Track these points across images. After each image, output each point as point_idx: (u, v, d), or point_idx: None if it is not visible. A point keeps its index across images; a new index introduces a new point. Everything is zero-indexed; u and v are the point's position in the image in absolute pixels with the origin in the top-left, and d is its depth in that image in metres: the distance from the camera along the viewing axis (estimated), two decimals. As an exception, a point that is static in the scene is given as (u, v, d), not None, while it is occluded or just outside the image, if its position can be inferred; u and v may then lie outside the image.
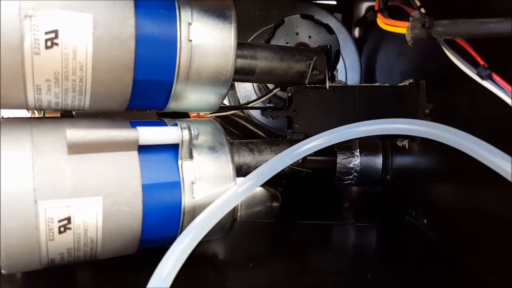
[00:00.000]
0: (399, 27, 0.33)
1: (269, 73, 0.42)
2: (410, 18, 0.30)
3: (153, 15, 0.30)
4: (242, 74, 0.41)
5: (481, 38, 0.26)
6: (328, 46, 0.46)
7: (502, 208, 0.33)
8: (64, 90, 0.28)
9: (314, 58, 0.43)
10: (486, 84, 0.27)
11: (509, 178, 0.25)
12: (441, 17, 0.29)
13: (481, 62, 0.28)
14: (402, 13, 0.36)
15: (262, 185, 0.50)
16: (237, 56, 0.39)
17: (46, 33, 0.26)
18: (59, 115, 0.35)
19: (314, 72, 0.43)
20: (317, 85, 0.44)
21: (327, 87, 0.44)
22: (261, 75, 0.41)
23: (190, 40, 0.31)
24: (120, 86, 0.30)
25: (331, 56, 0.45)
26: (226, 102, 0.66)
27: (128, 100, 0.31)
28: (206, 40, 0.32)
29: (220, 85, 0.34)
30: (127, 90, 0.30)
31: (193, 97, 0.34)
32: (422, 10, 0.30)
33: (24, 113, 0.35)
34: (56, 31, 0.26)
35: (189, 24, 0.31)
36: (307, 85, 0.44)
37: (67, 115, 0.33)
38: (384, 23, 0.36)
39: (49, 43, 0.26)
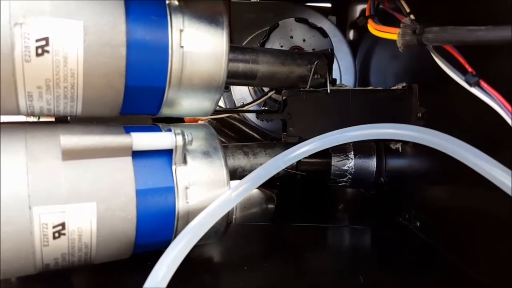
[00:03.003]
0: (390, 33, 0.33)
1: (270, 77, 0.42)
2: (401, 25, 0.31)
3: (144, 22, 0.30)
4: (244, 78, 0.41)
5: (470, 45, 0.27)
6: (329, 50, 0.46)
7: (494, 210, 0.33)
8: (56, 97, 0.28)
9: (315, 62, 0.43)
10: (474, 91, 0.28)
11: (480, 172, 0.26)
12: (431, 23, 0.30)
13: (469, 69, 0.28)
14: (393, 17, 0.36)
15: (257, 187, 0.50)
16: (239, 61, 0.40)
17: (37, 40, 0.26)
18: (53, 119, 0.35)
19: (316, 76, 0.43)
20: (311, 89, 0.45)
21: (328, 91, 0.44)
22: (263, 79, 0.42)
23: (182, 47, 0.31)
24: (112, 92, 0.30)
25: (332, 60, 0.46)
26: (221, 104, 0.67)
27: (120, 106, 0.31)
28: (198, 47, 0.32)
29: (213, 90, 0.34)
30: (119, 96, 0.30)
31: (185, 102, 0.34)
32: (412, 16, 0.31)
33: (19, 117, 0.35)
34: (46, 39, 0.26)
35: (181, 30, 0.31)
36: (301, 89, 0.44)
37: (61, 120, 0.34)
38: (375, 29, 0.36)
39: (39, 51, 0.26)
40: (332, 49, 0.52)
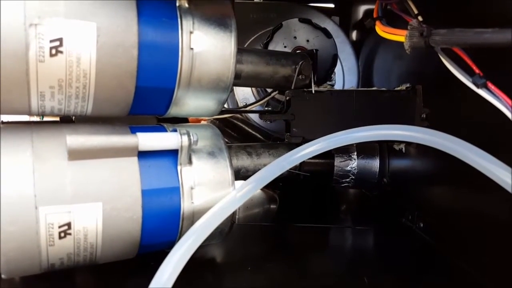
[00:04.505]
0: (398, 35, 0.33)
1: (254, 77, 0.42)
2: (408, 27, 0.31)
3: (155, 24, 0.30)
4: None
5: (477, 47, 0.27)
6: (314, 50, 0.46)
7: (498, 212, 0.33)
8: (68, 97, 0.29)
9: (300, 63, 0.43)
10: (481, 92, 0.28)
11: (485, 173, 0.26)
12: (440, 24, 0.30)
13: (477, 71, 0.28)
14: (400, 18, 0.36)
15: (260, 188, 0.50)
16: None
17: (51, 41, 0.26)
18: (58, 119, 0.35)
19: (300, 76, 0.43)
20: (315, 89, 0.45)
21: (313, 92, 0.44)
22: (247, 79, 0.42)
23: (192, 48, 0.31)
24: (123, 92, 0.30)
25: (316, 60, 0.45)
26: (225, 104, 0.66)
27: (130, 106, 0.32)
28: (207, 48, 0.32)
29: (220, 91, 0.35)
30: (129, 97, 0.31)
31: (193, 103, 0.34)
32: (420, 18, 0.31)
33: (21, 116, 0.35)
34: (60, 39, 0.27)
35: (191, 32, 0.31)
36: (305, 89, 0.44)
37: (66, 120, 0.34)
38: (383, 30, 0.36)
39: (53, 51, 0.26)
40: (336, 50, 0.52)
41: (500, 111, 0.27)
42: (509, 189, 0.26)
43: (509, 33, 0.25)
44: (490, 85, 0.28)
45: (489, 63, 0.28)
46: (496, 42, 0.25)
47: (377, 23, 0.37)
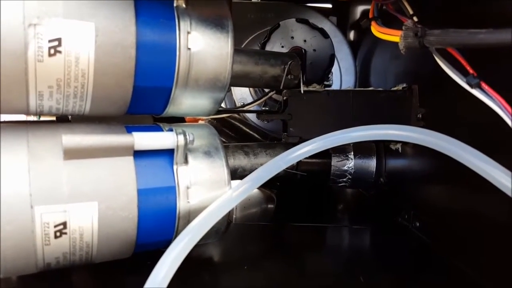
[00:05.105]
0: (393, 36, 0.33)
1: (243, 77, 0.42)
2: (403, 27, 0.31)
3: (153, 24, 0.31)
4: None
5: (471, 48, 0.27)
6: (303, 50, 0.46)
7: (494, 211, 0.33)
8: (66, 96, 0.29)
9: (289, 63, 0.43)
10: (475, 92, 0.28)
11: (480, 173, 0.26)
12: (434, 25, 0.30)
13: (471, 71, 0.28)
14: (395, 17, 0.36)
15: (257, 187, 0.50)
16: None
17: (50, 41, 0.26)
18: (54, 118, 0.35)
19: (289, 76, 0.43)
20: (312, 89, 0.45)
21: (302, 91, 0.44)
22: (236, 78, 0.42)
23: (189, 49, 0.32)
24: (121, 92, 0.30)
25: (305, 60, 0.45)
26: (222, 104, 0.67)
27: (127, 105, 0.32)
28: (204, 48, 0.32)
29: (217, 91, 0.35)
30: (127, 96, 0.31)
31: (190, 102, 0.35)
32: (415, 18, 0.31)
33: (18, 116, 0.35)
34: (59, 39, 0.27)
35: (188, 33, 0.32)
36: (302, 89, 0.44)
37: (62, 119, 0.34)
38: (378, 31, 0.36)
39: (52, 51, 0.27)
40: (333, 50, 0.53)
41: (495, 111, 0.28)
42: (502, 188, 0.26)
43: (503, 34, 0.25)
44: (483, 85, 0.28)
45: (483, 63, 0.28)
46: (490, 43, 0.25)
47: (373, 23, 0.38)
